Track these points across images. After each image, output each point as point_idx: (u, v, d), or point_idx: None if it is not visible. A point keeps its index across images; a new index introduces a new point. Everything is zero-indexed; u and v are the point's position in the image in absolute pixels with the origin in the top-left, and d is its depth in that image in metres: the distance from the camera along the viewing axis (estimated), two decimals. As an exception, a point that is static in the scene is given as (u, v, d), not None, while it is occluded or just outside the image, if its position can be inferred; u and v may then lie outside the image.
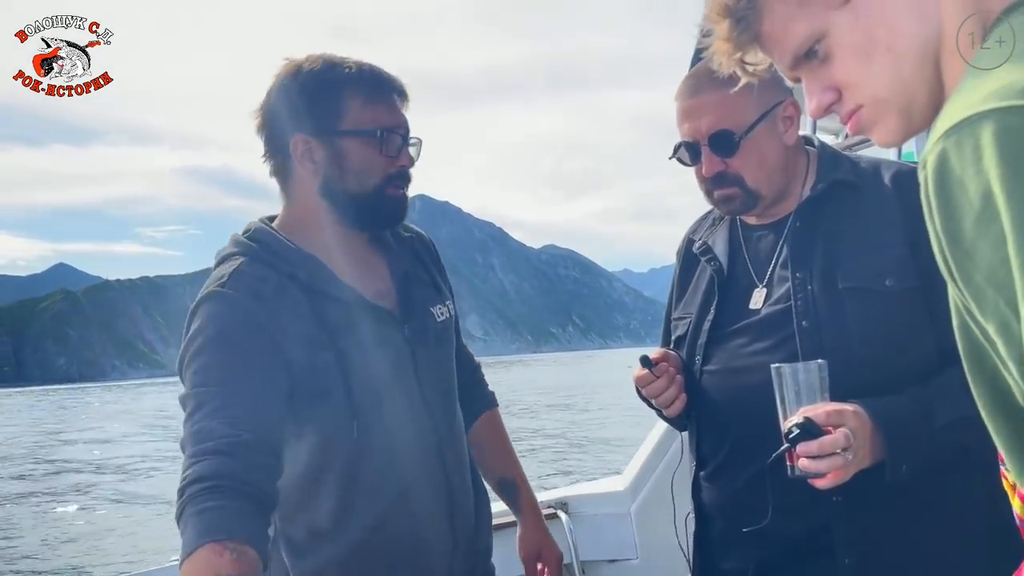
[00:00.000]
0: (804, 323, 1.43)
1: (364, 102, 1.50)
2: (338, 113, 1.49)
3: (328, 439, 1.47)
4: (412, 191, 1.58)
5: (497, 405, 1.90)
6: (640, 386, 1.55)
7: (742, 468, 1.49)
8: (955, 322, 0.74)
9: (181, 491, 1.30)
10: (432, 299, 1.64)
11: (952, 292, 0.72)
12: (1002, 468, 0.99)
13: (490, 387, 1.92)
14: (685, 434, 1.68)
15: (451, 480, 1.58)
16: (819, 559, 1.41)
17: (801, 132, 1.57)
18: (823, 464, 1.24)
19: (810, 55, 0.84)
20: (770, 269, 1.53)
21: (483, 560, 1.70)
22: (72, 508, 18.95)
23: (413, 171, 1.57)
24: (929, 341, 1.38)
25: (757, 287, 1.53)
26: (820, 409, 1.26)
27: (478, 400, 1.86)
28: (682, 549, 1.67)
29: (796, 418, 1.26)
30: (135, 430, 39.88)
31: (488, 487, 1.78)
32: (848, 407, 1.28)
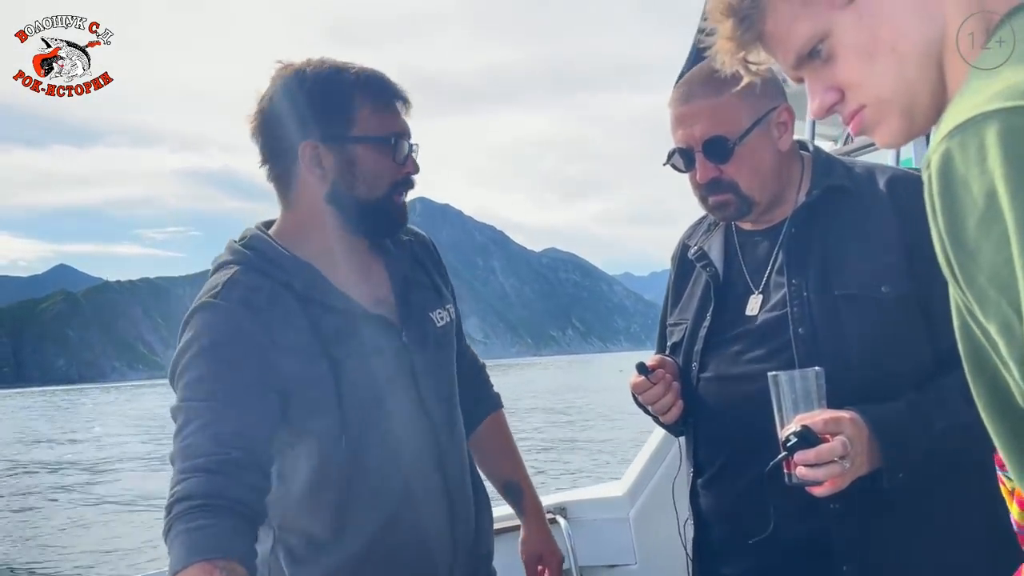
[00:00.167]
0: (800, 330, 1.43)
1: (373, 108, 1.50)
2: (349, 119, 1.49)
3: (322, 450, 1.47)
4: (412, 194, 1.59)
5: (502, 407, 1.89)
6: (637, 393, 1.55)
7: (740, 475, 1.49)
8: (956, 323, 0.74)
9: (169, 508, 1.30)
10: (432, 304, 1.63)
11: (954, 293, 0.71)
12: (1000, 474, 0.98)
13: None
14: (683, 439, 1.68)
15: (451, 488, 1.57)
16: (817, 566, 1.41)
17: (800, 136, 1.57)
18: (821, 472, 1.24)
19: (813, 55, 0.84)
20: (766, 275, 1.52)
21: (484, 564, 1.69)
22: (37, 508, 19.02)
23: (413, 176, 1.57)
24: (925, 347, 1.38)
25: (753, 293, 1.53)
26: (817, 417, 1.26)
27: (483, 402, 1.85)
28: (686, 552, 1.66)
29: (793, 426, 1.26)
30: (118, 431, 39.93)
31: (491, 488, 1.78)
32: (845, 415, 1.27)
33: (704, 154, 1.47)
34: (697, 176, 1.50)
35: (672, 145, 1.52)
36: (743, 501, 1.47)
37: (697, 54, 1.85)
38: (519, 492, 1.84)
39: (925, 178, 0.69)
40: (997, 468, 1.01)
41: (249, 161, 1.57)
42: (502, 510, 1.91)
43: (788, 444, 1.25)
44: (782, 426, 1.29)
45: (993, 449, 0.78)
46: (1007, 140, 0.62)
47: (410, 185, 1.56)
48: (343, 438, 1.45)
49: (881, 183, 1.47)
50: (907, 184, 1.46)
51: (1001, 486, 1.01)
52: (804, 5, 0.83)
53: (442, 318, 1.63)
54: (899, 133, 0.83)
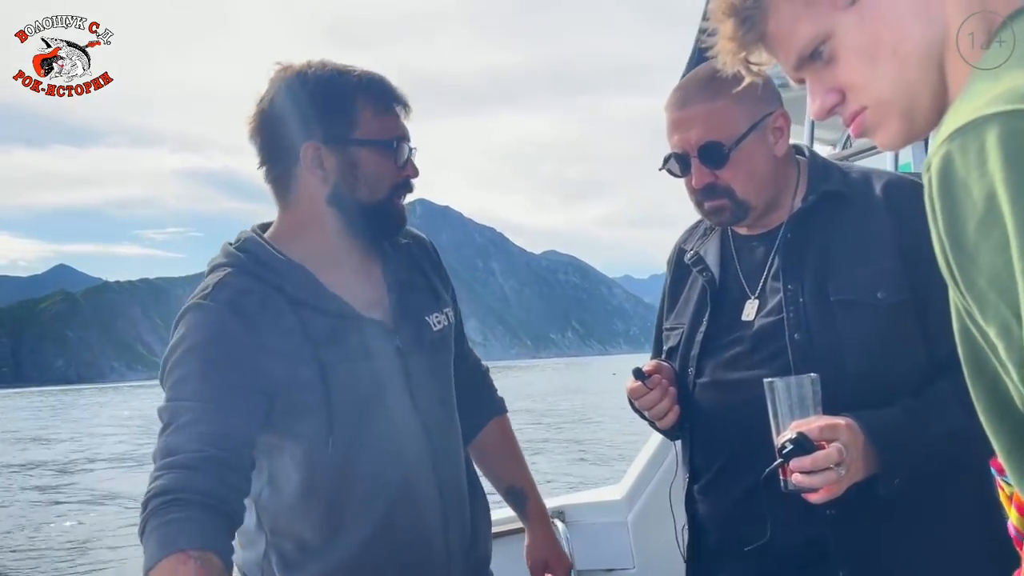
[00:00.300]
0: (796, 335, 1.43)
1: (375, 111, 1.51)
2: (351, 121, 1.50)
3: (311, 454, 1.47)
4: (412, 196, 1.60)
5: (506, 412, 1.88)
6: (633, 398, 1.55)
7: (736, 481, 1.49)
8: (956, 326, 0.74)
9: (145, 504, 1.30)
10: (428, 307, 1.63)
11: (953, 295, 0.71)
12: (999, 479, 0.98)
13: None
14: (680, 443, 1.67)
15: (446, 492, 1.56)
16: (813, 572, 1.41)
17: (799, 140, 1.57)
18: (816, 479, 1.24)
19: (815, 56, 0.84)
20: (762, 280, 1.52)
21: (482, 568, 1.68)
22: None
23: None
24: (920, 353, 1.38)
25: (749, 298, 1.53)
26: (813, 423, 1.26)
27: (485, 406, 1.84)
28: (683, 557, 1.66)
29: (789, 433, 1.26)
30: (104, 431, 39.88)
31: (495, 493, 1.77)
32: (841, 421, 1.27)
33: (700, 159, 1.47)
34: (693, 181, 1.50)
35: (668, 149, 1.52)
36: (739, 507, 1.47)
37: (699, 55, 1.85)
38: (522, 497, 1.82)
39: (925, 180, 0.69)
40: (996, 473, 1.00)
41: (249, 162, 1.57)
42: (501, 513, 1.90)
43: (784, 451, 1.25)
44: (778, 432, 1.29)
45: (989, 455, 0.78)
46: (1007, 143, 0.62)
47: (410, 189, 1.56)
48: (329, 440, 1.44)
49: (877, 188, 1.47)
50: (903, 190, 1.46)
51: (999, 491, 1.01)
52: (806, 6, 0.83)
53: (439, 322, 1.63)
54: (899, 135, 0.83)
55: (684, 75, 1.56)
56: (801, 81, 0.88)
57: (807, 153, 1.59)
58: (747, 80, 0.95)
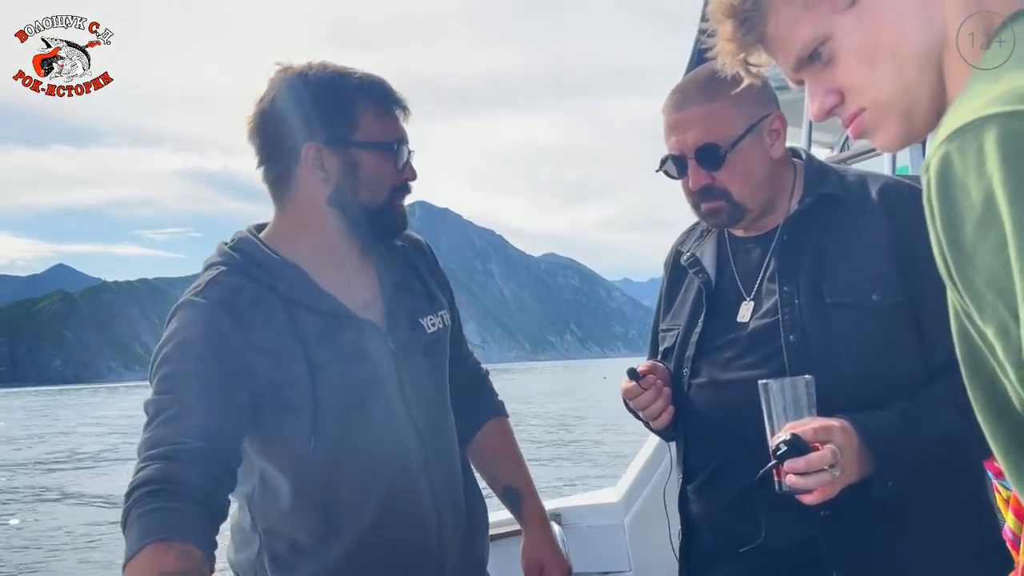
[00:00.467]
0: (791, 337, 1.43)
1: (376, 114, 1.52)
2: (353, 123, 1.50)
3: (295, 455, 1.46)
4: (411, 197, 1.61)
5: (506, 415, 1.87)
6: (628, 398, 1.55)
7: (730, 482, 1.49)
8: (954, 327, 0.74)
9: (128, 494, 1.30)
10: (423, 309, 1.63)
11: (952, 296, 0.72)
12: (996, 483, 0.99)
13: None
14: (675, 445, 1.68)
15: (438, 494, 1.56)
16: (807, 573, 1.41)
17: (796, 143, 1.57)
18: (811, 481, 1.24)
19: (814, 57, 0.85)
20: (758, 282, 1.53)
21: (479, 570, 1.68)
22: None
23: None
24: (916, 356, 1.38)
25: (745, 300, 1.53)
26: (808, 425, 1.26)
27: (483, 408, 1.83)
28: (677, 559, 1.66)
29: (783, 434, 1.26)
30: (93, 431, 39.83)
31: (493, 494, 1.76)
32: (835, 423, 1.27)
33: (696, 161, 1.48)
34: (689, 183, 1.50)
35: (666, 152, 1.53)
36: (733, 507, 1.47)
37: (699, 58, 1.86)
38: (519, 497, 1.80)
39: (924, 181, 0.69)
40: (993, 477, 1.01)
41: (249, 163, 1.57)
42: (499, 515, 1.89)
43: (778, 452, 1.25)
44: (772, 434, 1.30)
45: (985, 457, 0.79)
46: (1005, 144, 0.62)
47: (408, 191, 1.57)
48: (312, 440, 1.44)
49: (873, 192, 1.48)
50: (899, 193, 1.46)
51: (996, 495, 1.01)
52: (806, 8, 0.83)
53: (433, 324, 1.63)
54: (898, 136, 0.84)
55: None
56: (800, 82, 0.88)
57: (804, 156, 1.60)
58: (746, 82, 0.95)
